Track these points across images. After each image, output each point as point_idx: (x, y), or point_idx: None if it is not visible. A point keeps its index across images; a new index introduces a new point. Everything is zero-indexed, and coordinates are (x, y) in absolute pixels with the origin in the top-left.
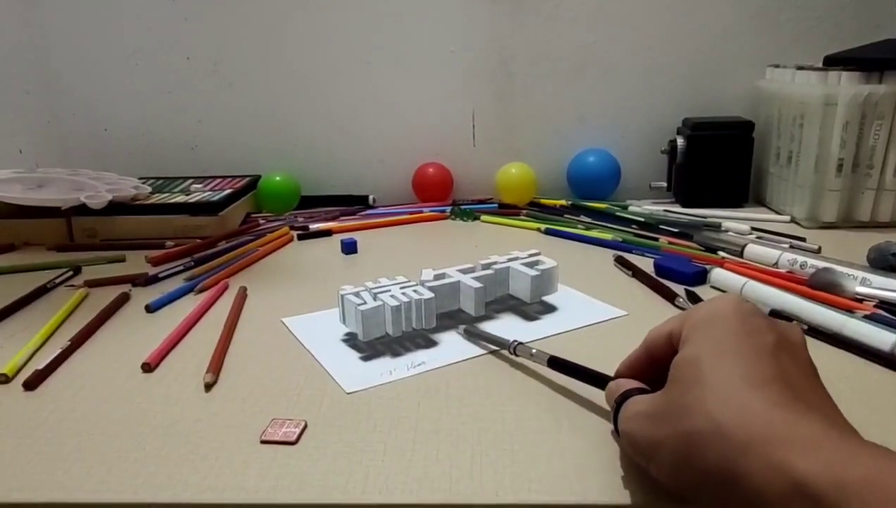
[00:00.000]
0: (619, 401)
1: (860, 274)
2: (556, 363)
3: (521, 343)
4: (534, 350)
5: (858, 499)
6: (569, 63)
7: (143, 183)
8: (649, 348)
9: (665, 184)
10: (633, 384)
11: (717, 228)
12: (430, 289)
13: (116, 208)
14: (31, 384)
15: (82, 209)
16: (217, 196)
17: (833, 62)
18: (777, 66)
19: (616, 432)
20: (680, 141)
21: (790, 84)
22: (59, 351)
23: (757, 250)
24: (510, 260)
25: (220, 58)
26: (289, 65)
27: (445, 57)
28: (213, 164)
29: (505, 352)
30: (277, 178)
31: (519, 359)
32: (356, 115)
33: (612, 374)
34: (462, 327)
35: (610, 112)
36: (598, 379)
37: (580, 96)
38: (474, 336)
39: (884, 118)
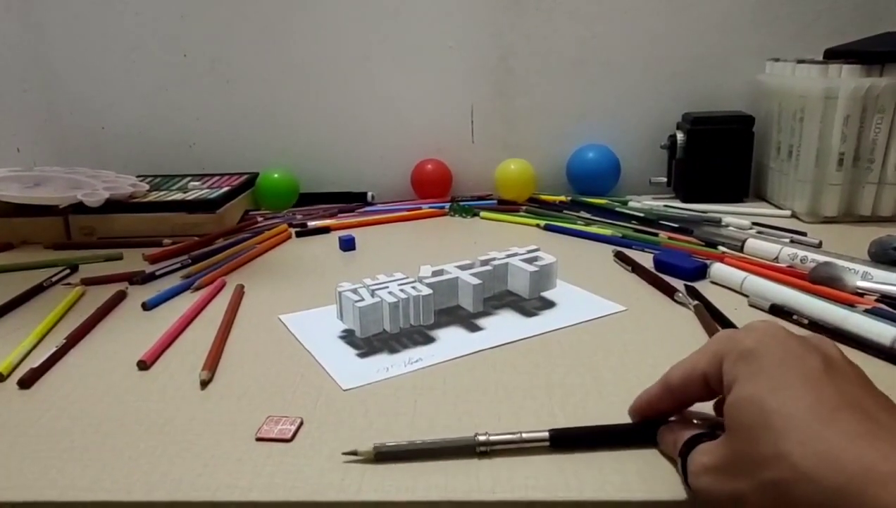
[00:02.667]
0: (684, 451)
1: (861, 268)
2: (560, 442)
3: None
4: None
5: None
6: (568, 58)
7: (141, 181)
8: (674, 388)
9: (665, 179)
10: (688, 428)
11: (717, 223)
12: (429, 286)
13: (114, 206)
14: (26, 383)
15: (80, 207)
16: (215, 194)
17: (833, 55)
18: (777, 59)
19: (686, 483)
20: (680, 136)
21: (790, 78)
22: (54, 349)
23: (757, 245)
24: (509, 256)
25: (217, 55)
26: (287, 61)
27: (444, 53)
28: (212, 161)
29: (508, 346)
30: (276, 175)
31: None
32: (355, 111)
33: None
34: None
35: (610, 107)
36: (615, 435)
37: (579, 92)
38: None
39: (885, 112)
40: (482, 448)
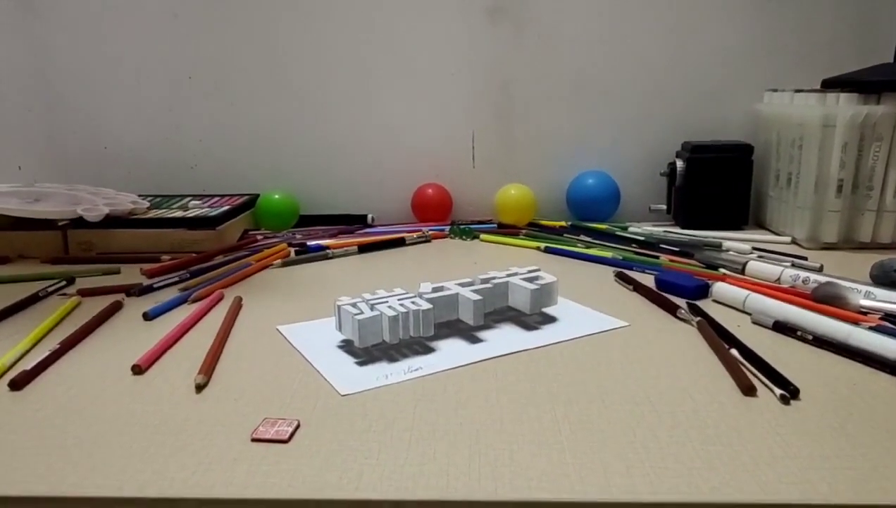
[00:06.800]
0: None
1: (864, 288)
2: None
3: None
4: None
5: None
6: (568, 86)
7: (142, 199)
8: None
9: (665, 207)
10: None
11: (717, 247)
12: (429, 301)
13: (113, 221)
14: (18, 384)
15: (79, 222)
16: (215, 211)
17: (831, 85)
18: (775, 90)
19: None
20: (679, 164)
21: (789, 106)
22: (47, 353)
23: (759, 267)
24: (509, 275)
25: (221, 77)
26: (290, 84)
27: (446, 79)
28: (213, 183)
29: (509, 357)
30: (276, 196)
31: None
32: (357, 136)
33: None
34: None
35: (609, 135)
36: None
37: (580, 119)
38: None
39: (882, 140)
40: None
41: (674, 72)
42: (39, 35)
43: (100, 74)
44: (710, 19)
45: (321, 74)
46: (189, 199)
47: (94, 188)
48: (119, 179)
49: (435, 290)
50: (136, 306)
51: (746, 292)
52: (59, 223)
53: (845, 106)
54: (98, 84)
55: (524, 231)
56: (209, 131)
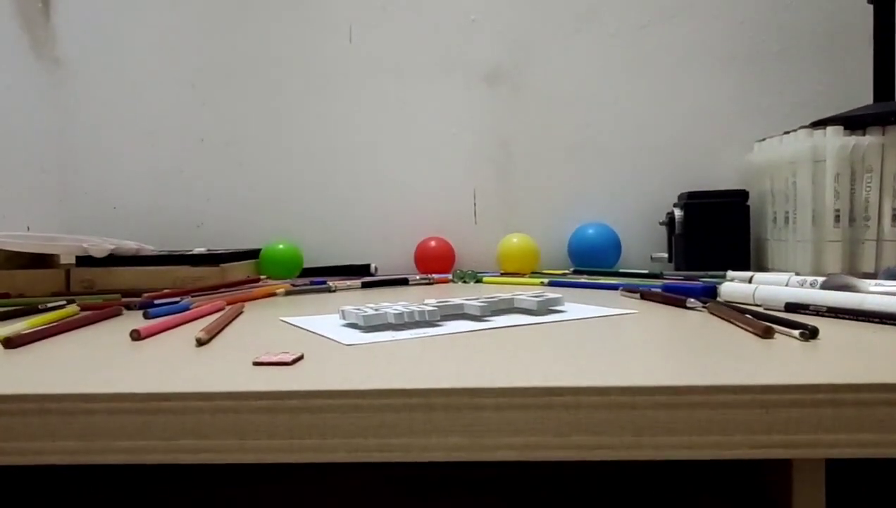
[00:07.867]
0: None
1: (873, 281)
2: None
3: None
4: None
5: None
6: (565, 144)
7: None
8: None
9: (666, 255)
10: None
11: (721, 278)
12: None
13: (116, 260)
14: (13, 342)
15: (82, 262)
16: (220, 253)
17: (818, 124)
18: (763, 139)
19: None
20: (678, 212)
21: (779, 148)
22: (46, 327)
23: (766, 276)
24: (515, 296)
25: (231, 139)
26: (297, 146)
27: (447, 139)
28: (218, 241)
29: (520, 327)
30: (280, 246)
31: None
32: (361, 194)
33: None
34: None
35: (608, 189)
36: None
37: (578, 174)
38: None
39: (872, 171)
40: None
41: (667, 129)
42: (62, 95)
43: (115, 138)
44: (697, 80)
45: (328, 136)
46: (194, 249)
47: (101, 238)
48: (126, 238)
49: (440, 303)
50: (136, 315)
51: (755, 285)
52: (64, 258)
53: (833, 138)
54: (112, 146)
55: (528, 275)
56: (217, 191)
